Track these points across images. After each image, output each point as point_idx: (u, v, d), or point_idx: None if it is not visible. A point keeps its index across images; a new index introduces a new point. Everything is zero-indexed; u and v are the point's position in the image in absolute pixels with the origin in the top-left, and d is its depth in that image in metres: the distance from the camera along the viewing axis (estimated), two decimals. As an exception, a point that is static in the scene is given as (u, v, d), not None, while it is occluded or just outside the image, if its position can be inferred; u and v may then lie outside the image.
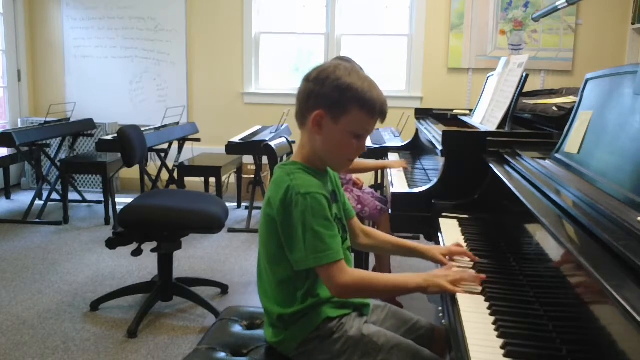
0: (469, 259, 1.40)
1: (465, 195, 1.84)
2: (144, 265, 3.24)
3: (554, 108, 2.00)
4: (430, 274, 1.27)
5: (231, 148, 3.84)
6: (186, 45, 5.18)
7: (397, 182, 2.38)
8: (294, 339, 1.31)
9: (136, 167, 3.08)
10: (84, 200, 4.81)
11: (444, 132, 1.99)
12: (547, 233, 1.12)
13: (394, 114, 4.17)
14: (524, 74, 2.02)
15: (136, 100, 5.32)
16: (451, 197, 1.85)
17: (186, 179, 4.27)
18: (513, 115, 2.01)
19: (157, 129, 4.22)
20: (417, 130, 3.18)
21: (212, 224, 2.50)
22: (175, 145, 4.61)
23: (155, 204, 2.59)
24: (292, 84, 5.14)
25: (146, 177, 4.15)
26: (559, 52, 4.79)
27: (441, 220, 1.77)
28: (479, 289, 1.22)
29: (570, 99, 2.20)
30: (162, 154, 4.43)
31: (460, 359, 0.99)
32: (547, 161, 1.50)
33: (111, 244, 2.51)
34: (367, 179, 3.50)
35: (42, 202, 4.37)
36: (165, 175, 4.53)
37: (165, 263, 2.65)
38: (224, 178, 4.42)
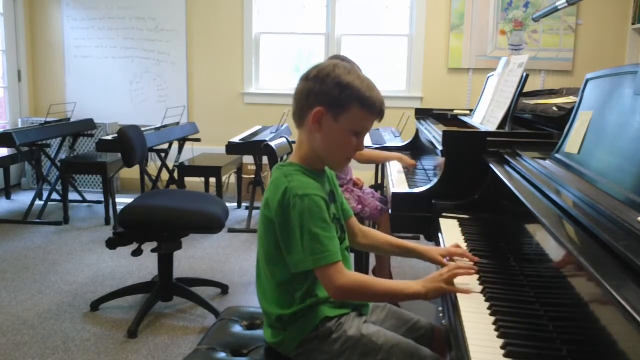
0: (468, 260, 1.40)
1: (465, 195, 1.84)
2: (144, 265, 3.24)
3: (554, 108, 2.00)
4: (427, 279, 1.27)
5: (231, 148, 3.84)
6: (186, 45, 5.18)
7: (397, 182, 2.38)
8: (293, 339, 1.31)
9: (136, 167, 3.08)
10: (84, 200, 4.81)
11: (444, 132, 1.99)
12: (547, 233, 1.12)
13: (394, 114, 4.18)
14: (524, 74, 2.02)
15: (136, 100, 5.32)
16: (451, 197, 1.85)
17: (186, 179, 4.27)
18: (513, 115, 2.01)
19: (157, 129, 4.22)
20: (417, 130, 3.18)
21: (212, 224, 2.50)
22: (175, 145, 4.61)
23: (155, 204, 2.59)
24: (292, 84, 5.03)
25: (146, 177, 4.15)
26: (559, 52, 4.79)
27: (441, 220, 1.77)
28: (474, 270, 1.28)
29: (570, 99, 2.20)
30: (162, 154, 4.43)
31: (460, 359, 0.99)
32: (547, 161, 1.50)
33: (111, 244, 2.51)
34: (367, 179, 3.50)
35: (42, 202, 4.37)
36: (165, 175, 4.53)
37: (165, 263, 2.65)
38: (224, 178, 4.42)
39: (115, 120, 5.23)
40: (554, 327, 1.04)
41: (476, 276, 1.29)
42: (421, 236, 2.11)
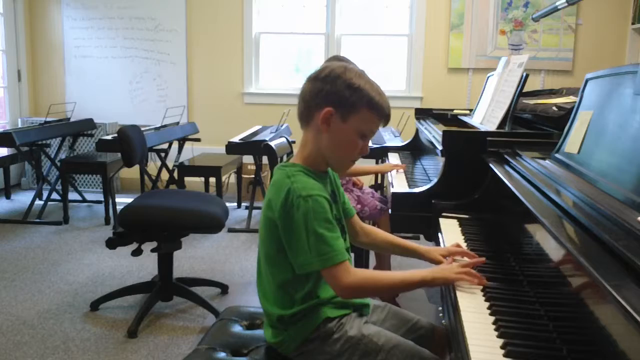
0: (469, 259, 1.40)
1: (465, 195, 1.84)
2: (144, 265, 3.24)
3: (554, 108, 2.00)
4: (434, 268, 1.29)
5: (231, 148, 3.84)
6: (186, 45, 5.18)
7: (397, 182, 2.38)
8: (294, 339, 1.31)
9: (136, 167, 3.08)
10: (84, 200, 4.81)
11: (444, 132, 1.99)
12: (547, 233, 1.12)
13: (394, 114, 4.14)
14: (524, 74, 2.02)
15: (136, 100, 5.32)
16: (451, 197, 1.85)
17: (186, 179, 4.27)
18: (513, 115, 2.01)
19: (157, 129, 4.22)
20: (417, 130, 3.18)
21: (212, 224, 2.50)
22: (175, 145, 4.61)
23: (155, 204, 2.59)
24: (292, 84, 5.15)
25: (146, 177, 4.15)
26: (559, 52, 4.79)
27: (441, 220, 1.77)
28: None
29: (570, 99, 2.20)
30: (162, 154, 4.43)
31: (460, 359, 0.99)
32: (547, 161, 1.50)
33: (111, 244, 2.51)
34: (367, 179, 3.49)
35: (42, 202, 4.37)
36: (165, 175, 4.52)
37: (165, 263, 2.65)
38: (224, 178, 4.42)
39: (115, 120, 5.23)
40: (554, 327, 1.04)
41: (479, 288, 1.28)
42: (421, 236, 2.11)
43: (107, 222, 4.18)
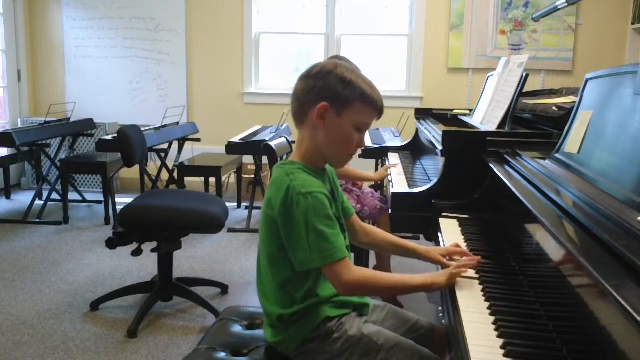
0: (468, 259, 1.40)
1: (465, 195, 1.84)
2: (144, 265, 3.24)
3: (554, 108, 2.00)
4: (434, 273, 1.30)
5: (231, 148, 3.84)
6: (186, 45, 5.18)
7: (397, 182, 2.38)
8: (294, 339, 1.31)
9: (136, 167, 3.08)
10: (84, 200, 4.81)
11: (444, 132, 1.99)
12: (547, 233, 1.12)
13: (394, 114, 4.19)
14: (524, 74, 2.02)
15: (136, 100, 5.32)
16: (451, 197, 1.85)
17: (186, 179, 4.27)
18: (513, 115, 2.01)
19: (157, 129, 4.22)
20: (417, 130, 3.18)
21: (212, 224, 2.50)
22: (175, 145, 4.61)
23: (155, 204, 2.59)
24: (292, 84, 5.07)
25: (146, 177, 4.15)
26: (559, 52, 4.79)
27: (441, 220, 1.77)
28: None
29: (570, 99, 2.20)
30: (162, 154, 4.43)
31: (460, 359, 0.99)
32: (547, 161, 1.50)
33: (111, 244, 2.51)
34: (367, 179, 3.49)
35: (42, 202, 4.37)
36: (165, 175, 4.52)
37: (165, 263, 2.65)
38: (224, 178, 4.42)
39: (115, 120, 5.23)
40: (554, 327, 1.04)
41: (476, 276, 1.29)
42: (421, 236, 2.10)
43: (107, 222, 4.18)
